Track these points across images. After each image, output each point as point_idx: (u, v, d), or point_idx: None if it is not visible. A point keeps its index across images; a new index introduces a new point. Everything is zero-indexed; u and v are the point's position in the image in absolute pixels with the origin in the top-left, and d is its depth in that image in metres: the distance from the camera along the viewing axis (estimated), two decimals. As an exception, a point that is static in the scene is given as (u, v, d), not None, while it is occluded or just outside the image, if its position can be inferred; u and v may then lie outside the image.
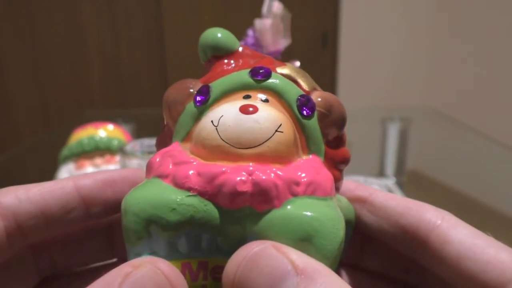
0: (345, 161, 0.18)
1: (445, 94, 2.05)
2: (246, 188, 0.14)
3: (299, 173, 0.15)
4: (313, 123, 0.17)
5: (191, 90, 0.17)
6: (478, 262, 0.15)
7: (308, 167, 0.16)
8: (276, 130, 0.15)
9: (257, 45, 0.44)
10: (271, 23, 0.42)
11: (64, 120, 1.86)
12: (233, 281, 0.13)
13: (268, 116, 0.16)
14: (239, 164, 0.15)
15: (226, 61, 0.19)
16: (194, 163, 0.15)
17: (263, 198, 0.14)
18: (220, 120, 0.16)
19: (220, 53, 0.19)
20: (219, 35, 0.19)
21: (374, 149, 1.00)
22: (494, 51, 1.82)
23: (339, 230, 0.15)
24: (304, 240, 0.14)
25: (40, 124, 1.89)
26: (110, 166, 0.54)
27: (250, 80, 0.17)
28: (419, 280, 0.18)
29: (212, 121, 0.16)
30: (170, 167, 0.15)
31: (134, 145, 0.45)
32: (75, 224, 0.18)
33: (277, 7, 0.42)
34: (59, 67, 1.86)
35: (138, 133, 0.91)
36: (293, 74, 0.18)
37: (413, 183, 0.82)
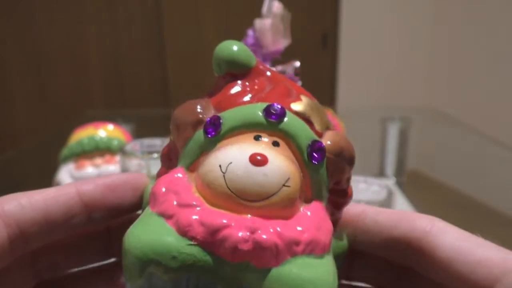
0: (349, 199, 0.19)
1: (445, 94, 2.05)
2: (247, 246, 0.14)
3: (300, 229, 0.15)
4: (321, 169, 0.17)
5: (202, 116, 0.17)
6: (467, 263, 0.15)
7: (310, 222, 0.16)
8: (284, 185, 0.15)
9: (257, 45, 0.44)
10: (271, 23, 0.42)
11: (64, 120, 1.86)
12: None
13: (277, 169, 0.15)
14: (243, 216, 0.15)
15: (240, 82, 0.18)
16: (198, 208, 0.15)
17: (263, 257, 0.15)
18: (228, 167, 0.15)
19: (235, 68, 0.18)
20: (235, 49, 0.18)
21: (374, 149, 1.00)
22: (494, 51, 1.82)
23: (334, 286, 0.16)
24: None
25: (40, 124, 1.89)
26: (110, 166, 0.54)
27: (263, 120, 0.16)
28: (412, 285, 0.19)
29: (220, 166, 0.15)
30: (174, 203, 0.15)
31: (134, 145, 0.45)
32: (76, 229, 0.18)
33: (277, 7, 0.42)
34: (59, 67, 1.86)
35: (138, 133, 0.91)
36: (307, 113, 0.17)
37: (413, 183, 0.82)
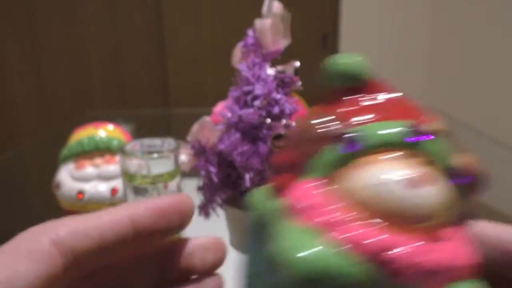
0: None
1: (445, 94, 2.05)
2: (417, 269, 0.14)
3: (460, 256, 0.15)
4: (462, 190, 0.17)
5: (338, 131, 0.16)
6: None
7: (464, 249, 0.16)
8: (441, 207, 0.15)
9: (257, 45, 0.44)
10: (271, 23, 0.42)
11: (64, 120, 1.86)
12: None
13: (433, 192, 0.15)
14: (408, 237, 0.15)
15: (364, 96, 0.18)
16: (359, 224, 0.15)
17: (430, 279, 0.14)
18: (384, 187, 0.15)
19: (353, 82, 0.18)
20: (353, 62, 0.18)
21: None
22: (494, 51, 1.82)
23: None
24: None
25: (40, 124, 1.89)
26: (110, 166, 0.54)
27: (406, 140, 0.16)
28: None
29: (375, 185, 0.15)
30: (330, 218, 0.15)
31: (134, 145, 0.44)
32: (128, 253, 0.18)
33: (277, 7, 0.42)
34: (59, 67, 1.86)
35: (138, 133, 0.91)
36: (444, 133, 0.18)
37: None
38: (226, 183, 0.46)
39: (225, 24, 1.94)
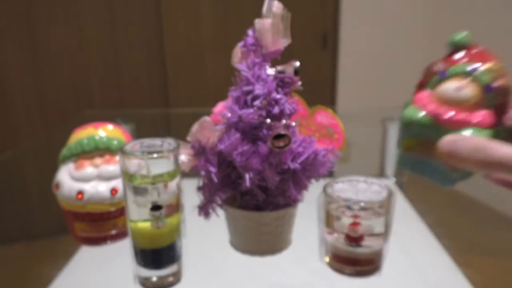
0: (505, 113, 0.39)
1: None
2: (456, 121, 0.36)
3: (477, 118, 0.36)
4: (491, 94, 0.37)
5: (438, 67, 0.41)
6: None
7: (481, 115, 0.36)
8: (471, 99, 0.37)
9: (257, 45, 0.44)
10: (271, 23, 0.42)
11: (64, 120, 1.86)
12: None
13: (467, 91, 0.37)
14: (454, 109, 0.36)
15: (459, 55, 0.41)
16: (433, 104, 0.37)
17: (458, 126, 0.36)
18: (447, 91, 0.37)
19: (458, 46, 0.42)
20: (462, 36, 0.43)
21: (374, 149, 1.00)
22: (494, 50, 1.82)
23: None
24: None
25: (40, 124, 1.89)
26: (110, 166, 0.54)
27: (466, 71, 0.38)
28: None
29: (446, 90, 0.38)
30: (424, 103, 0.38)
31: (133, 145, 0.44)
32: None
33: (277, 6, 0.42)
34: (58, 67, 1.86)
35: (137, 133, 0.91)
36: (493, 72, 0.39)
37: (413, 183, 0.82)
38: (226, 183, 0.46)
39: (225, 24, 1.94)
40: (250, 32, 0.44)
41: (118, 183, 0.53)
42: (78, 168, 0.54)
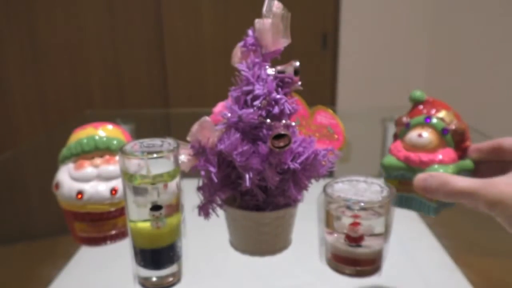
0: (466, 147, 0.48)
1: (445, 93, 2.04)
2: (424, 163, 0.45)
3: (439, 156, 0.45)
4: (448, 136, 0.47)
5: (403, 120, 0.49)
6: None
7: (443, 153, 0.46)
8: (430, 142, 0.47)
9: (257, 45, 0.44)
10: (271, 22, 0.42)
11: (64, 120, 1.86)
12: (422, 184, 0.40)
13: (429, 136, 0.47)
14: (419, 154, 0.46)
15: (420, 107, 0.50)
16: (402, 151, 0.47)
17: (426, 165, 0.45)
18: (412, 138, 0.47)
19: (417, 101, 0.50)
20: (418, 94, 0.50)
21: (374, 149, 1.00)
22: (494, 51, 1.82)
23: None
24: None
25: (40, 124, 1.89)
26: (109, 166, 0.54)
27: (423, 122, 0.48)
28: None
29: (410, 138, 0.47)
30: (392, 149, 0.48)
31: (133, 145, 0.44)
32: None
33: (277, 6, 0.42)
34: (58, 67, 1.86)
35: (137, 133, 0.91)
36: (446, 118, 0.48)
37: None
38: (226, 183, 0.46)
39: (225, 24, 1.94)
40: (250, 32, 0.44)
41: (118, 183, 0.53)
42: (78, 168, 0.54)
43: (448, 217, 0.75)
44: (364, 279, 0.45)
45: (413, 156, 0.46)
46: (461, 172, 0.48)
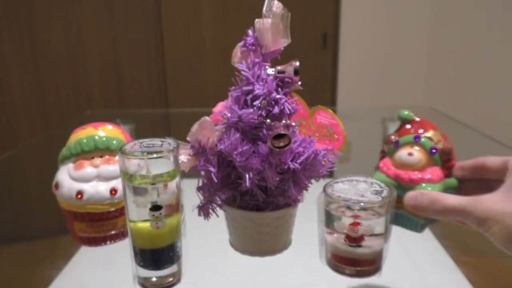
0: (451, 166, 0.50)
1: (445, 94, 2.05)
2: (413, 181, 0.48)
3: (428, 175, 0.48)
4: (436, 156, 0.49)
5: (392, 139, 0.52)
6: None
7: (430, 172, 0.49)
8: (419, 162, 0.49)
9: (257, 45, 0.44)
10: (271, 22, 0.42)
11: (64, 120, 1.85)
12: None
13: (418, 155, 0.49)
14: (408, 172, 0.49)
15: (408, 126, 0.53)
16: (392, 169, 0.50)
17: (415, 183, 0.48)
18: (401, 157, 0.50)
19: (405, 120, 0.53)
20: (406, 113, 0.53)
21: (374, 149, 0.99)
22: (494, 51, 1.82)
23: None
24: None
25: (40, 124, 1.89)
26: (109, 166, 0.54)
27: (412, 140, 0.50)
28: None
29: (400, 156, 0.50)
30: (383, 166, 0.51)
31: (133, 145, 0.44)
32: None
33: (277, 6, 0.42)
34: (58, 67, 1.86)
35: (137, 133, 0.91)
36: (433, 138, 0.51)
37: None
38: (225, 183, 0.46)
39: (225, 24, 1.94)
40: (250, 32, 0.44)
41: (117, 183, 0.53)
42: (78, 168, 0.54)
43: (448, 217, 0.75)
44: (364, 279, 0.45)
45: (403, 174, 0.48)
46: (447, 190, 0.51)
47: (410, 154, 0.50)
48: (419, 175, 0.48)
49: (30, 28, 1.80)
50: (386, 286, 0.49)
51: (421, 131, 0.53)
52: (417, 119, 0.55)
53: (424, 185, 0.48)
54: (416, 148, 0.51)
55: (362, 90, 2.10)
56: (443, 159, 0.50)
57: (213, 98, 0.53)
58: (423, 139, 0.51)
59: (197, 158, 0.45)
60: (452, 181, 0.50)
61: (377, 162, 0.57)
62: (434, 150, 0.50)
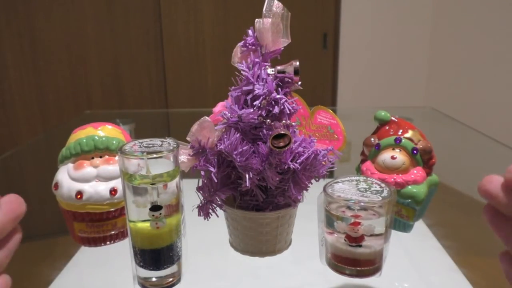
0: (433, 164, 0.54)
1: (445, 94, 2.05)
2: (399, 184, 0.53)
3: (412, 176, 0.53)
4: (417, 156, 0.54)
5: (372, 141, 0.56)
6: None
7: (415, 173, 0.54)
8: (403, 164, 0.53)
9: (257, 44, 0.44)
10: (271, 22, 0.42)
11: (63, 120, 1.85)
12: None
13: (401, 158, 0.53)
14: (390, 176, 0.54)
15: (387, 127, 0.56)
16: (375, 173, 0.54)
17: (402, 186, 0.52)
18: (384, 160, 0.54)
19: (382, 121, 0.57)
20: (383, 114, 0.57)
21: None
22: (493, 51, 1.82)
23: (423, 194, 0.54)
24: None
25: (40, 124, 1.89)
26: (109, 166, 0.54)
27: (393, 143, 0.54)
28: None
29: (384, 160, 0.54)
30: (366, 171, 0.55)
31: (133, 145, 0.44)
32: None
33: (277, 6, 0.42)
34: (58, 67, 1.86)
35: (137, 133, 0.91)
36: (413, 138, 0.54)
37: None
38: (225, 183, 0.46)
39: (225, 24, 1.94)
40: (250, 31, 0.44)
41: (117, 183, 0.53)
42: (78, 168, 0.54)
43: (448, 217, 0.75)
44: (364, 279, 0.45)
45: (388, 178, 0.51)
46: (431, 187, 0.54)
47: (393, 157, 0.51)
48: (404, 178, 0.51)
49: (30, 28, 1.80)
50: (386, 286, 0.49)
51: (400, 131, 0.54)
52: (394, 119, 0.56)
53: (409, 187, 0.51)
54: (397, 150, 0.52)
55: (362, 90, 2.10)
56: (424, 158, 0.52)
57: (213, 98, 0.53)
58: (404, 141, 0.52)
59: (197, 158, 0.45)
60: (434, 178, 0.53)
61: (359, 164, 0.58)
62: (415, 151, 0.52)
